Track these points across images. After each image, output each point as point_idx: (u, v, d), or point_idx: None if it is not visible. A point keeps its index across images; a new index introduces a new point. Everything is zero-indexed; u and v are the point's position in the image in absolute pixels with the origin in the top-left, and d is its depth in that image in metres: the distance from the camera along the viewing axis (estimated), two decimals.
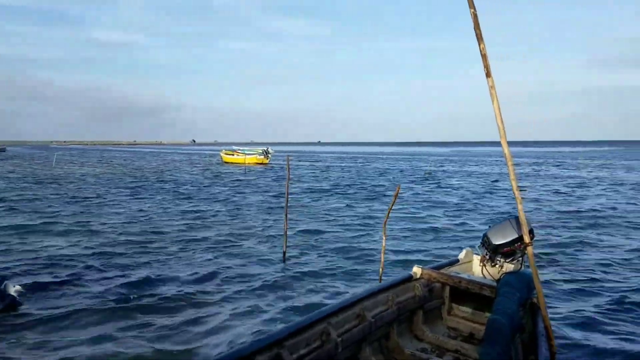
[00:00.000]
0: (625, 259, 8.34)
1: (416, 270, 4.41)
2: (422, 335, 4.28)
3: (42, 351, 4.60)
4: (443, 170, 36.06)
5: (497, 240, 4.14)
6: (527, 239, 3.81)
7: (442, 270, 4.53)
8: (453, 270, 4.70)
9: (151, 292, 6.28)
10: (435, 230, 11.30)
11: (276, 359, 2.72)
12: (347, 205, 15.75)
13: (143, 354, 4.58)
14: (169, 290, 6.41)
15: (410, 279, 4.30)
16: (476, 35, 3.39)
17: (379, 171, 35.39)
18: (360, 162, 50.69)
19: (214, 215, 13.12)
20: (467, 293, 4.41)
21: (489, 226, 4.41)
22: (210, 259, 8.18)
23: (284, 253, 8.19)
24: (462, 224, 12.19)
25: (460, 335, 4.40)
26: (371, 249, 9.09)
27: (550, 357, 3.45)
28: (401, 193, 14.76)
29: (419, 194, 19.43)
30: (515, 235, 4.00)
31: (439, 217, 13.30)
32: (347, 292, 6.34)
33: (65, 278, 6.87)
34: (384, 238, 6.65)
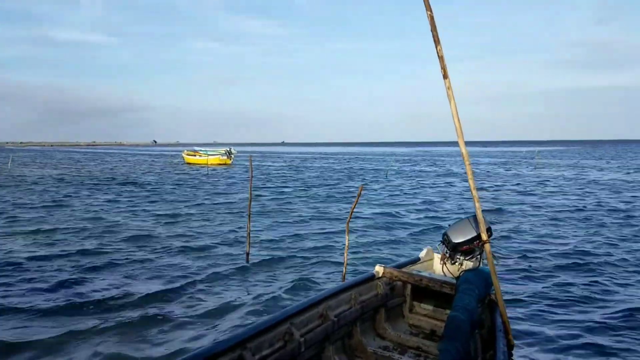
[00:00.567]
0: (579, 250, 8.69)
1: (378, 269, 4.45)
2: (385, 334, 4.33)
3: None
4: (406, 170, 36.62)
5: (457, 239, 4.21)
6: (484, 236, 3.93)
7: (404, 269, 4.59)
8: (414, 268, 4.78)
9: (106, 295, 6.13)
10: (397, 228, 11.46)
11: None
12: (311, 204, 15.78)
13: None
14: (125, 292, 6.24)
15: (372, 277, 4.35)
16: (433, 37, 3.45)
17: (342, 171, 35.60)
18: (325, 162, 50.87)
19: (174, 217, 12.89)
20: (428, 291, 4.50)
21: (449, 225, 4.49)
22: (172, 262, 8.02)
23: (247, 254, 8.11)
24: (425, 221, 12.40)
25: (421, 333, 4.48)
26: (334, 247, 9.14)
27: (508, 351, 3.56)
28: (363, 192, 14.88)
29: (381, 193, 19.68)
30: (474, 234, 4.09)
31: (402, 214, 13.48)
32: (310, 292, 6.35)
33: (18, 281, 6.66)
34: (347, 237, 6.70)
